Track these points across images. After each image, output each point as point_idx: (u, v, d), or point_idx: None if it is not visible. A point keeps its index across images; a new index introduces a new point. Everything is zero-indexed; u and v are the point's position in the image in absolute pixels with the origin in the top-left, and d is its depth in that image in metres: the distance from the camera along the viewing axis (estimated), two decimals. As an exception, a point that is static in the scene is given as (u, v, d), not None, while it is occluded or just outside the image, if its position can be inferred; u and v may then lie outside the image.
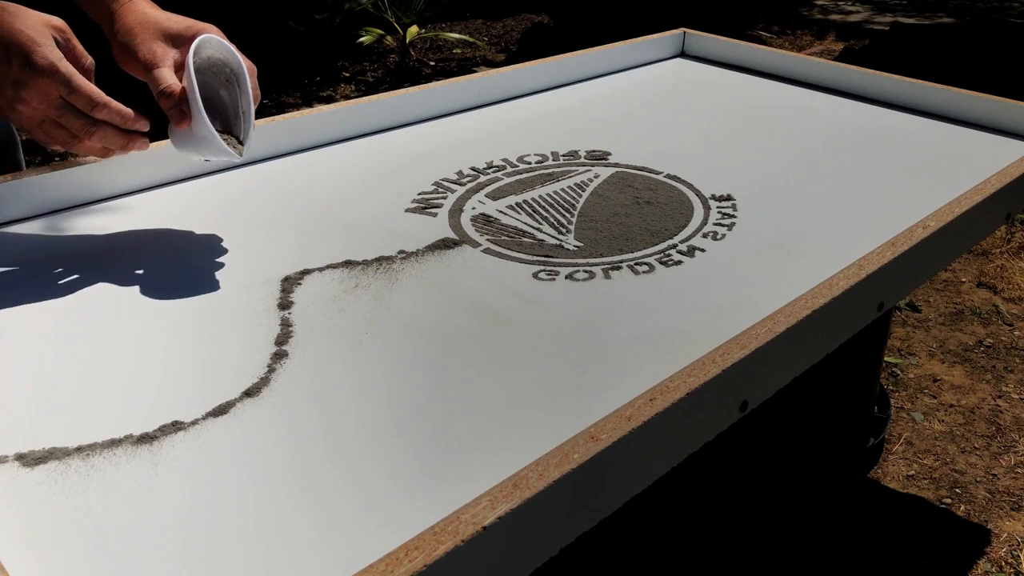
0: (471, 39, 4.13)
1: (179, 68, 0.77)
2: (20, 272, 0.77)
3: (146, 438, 0.57)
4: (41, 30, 0.70)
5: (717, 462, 0.85)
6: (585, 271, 0.79)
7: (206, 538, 0.50)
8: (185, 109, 0.74)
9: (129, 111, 0.74)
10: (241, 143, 0.80)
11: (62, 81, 0.70)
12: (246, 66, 0.78)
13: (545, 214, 0.90)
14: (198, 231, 0.84)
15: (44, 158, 2.75)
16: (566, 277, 0.78)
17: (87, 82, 0.71)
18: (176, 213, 0.88)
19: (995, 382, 1.83)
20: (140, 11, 0.78)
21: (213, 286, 0.75)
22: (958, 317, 2.05)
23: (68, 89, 0.70)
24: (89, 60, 0.75)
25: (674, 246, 0.84)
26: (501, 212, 0.90)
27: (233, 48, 0.78)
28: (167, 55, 0.77)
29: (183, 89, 0.74)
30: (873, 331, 0.99)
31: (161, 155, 0.92)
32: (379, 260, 0.80)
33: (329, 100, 3.30)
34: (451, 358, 0.66)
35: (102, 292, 0.74)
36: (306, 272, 0.77)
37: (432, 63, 3.87)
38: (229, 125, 0.81)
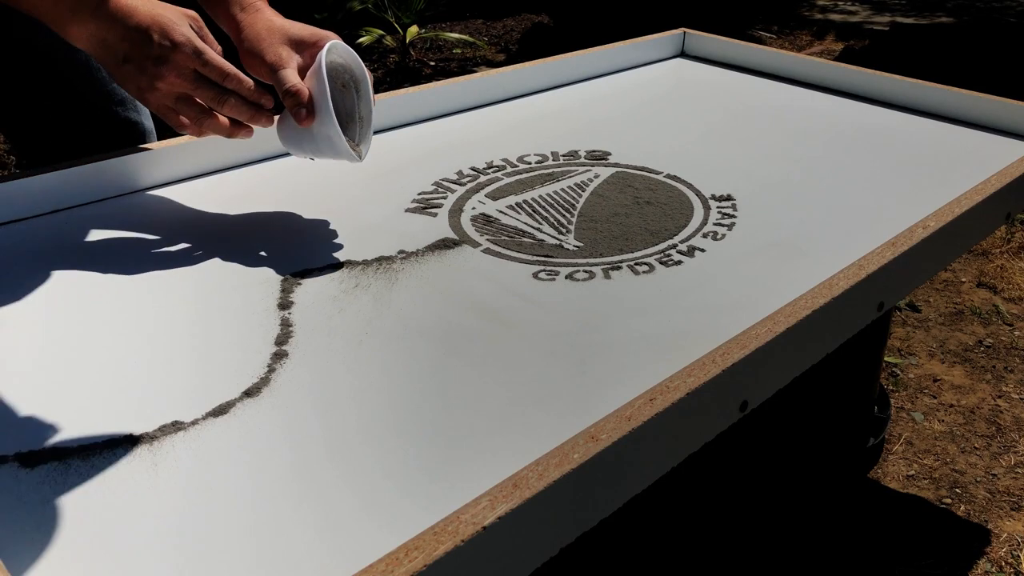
0: (471, 39, 4.13)
1: (302, 71, 0.81)
2: (20, 272, 0.77)
3: (146, 438, 0.57)
4: (179, 16, 0.76)
5: (717, 462, 0.85)
6: (585, 271, 0.79)
7: (206, 538, 0.50)
8: (309, 109, 0.78)
9: (256, 89, 0.79)
10: (358, 151, 0.83)
11: (197, 53, 0.75)
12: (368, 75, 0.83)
13: (545, 214, 0.90)
14: (198, 231, 0.84)
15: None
16: (566, 277, 0.78)
17: (218, 56, 0.77)
18: (176, 213, 0.88)
19: (995, 382, 1.83)
20: (267, 19, 0.83)
21: (213, 286, 0.75)
22: (958, 317, 2.05)
23: (202, 61, 0.75)
24: (218, 47, 0.79)
25: (674, 246, 0.84)
26: (501, 212, 0.90)
27: (356, 55, 0.82)
28: (292, 58, 0.81)
29: (307, 90, 0.79)
30: (873, 331, 0.98)
31: (160, 156, 0.92)
32: (379, 260, 0.80)
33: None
34: (451, 358, 0.66)
35: (102, 292, 0.74)
36: (306, 272, 0.77)
37: (432, 63, 3.86)
38: (342, 124, 0.82)
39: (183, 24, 0.76)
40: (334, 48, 0.81)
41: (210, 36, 0.79)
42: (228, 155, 0.96)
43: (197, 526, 0.50)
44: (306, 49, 0.82)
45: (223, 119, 0.80)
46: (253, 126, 0.82)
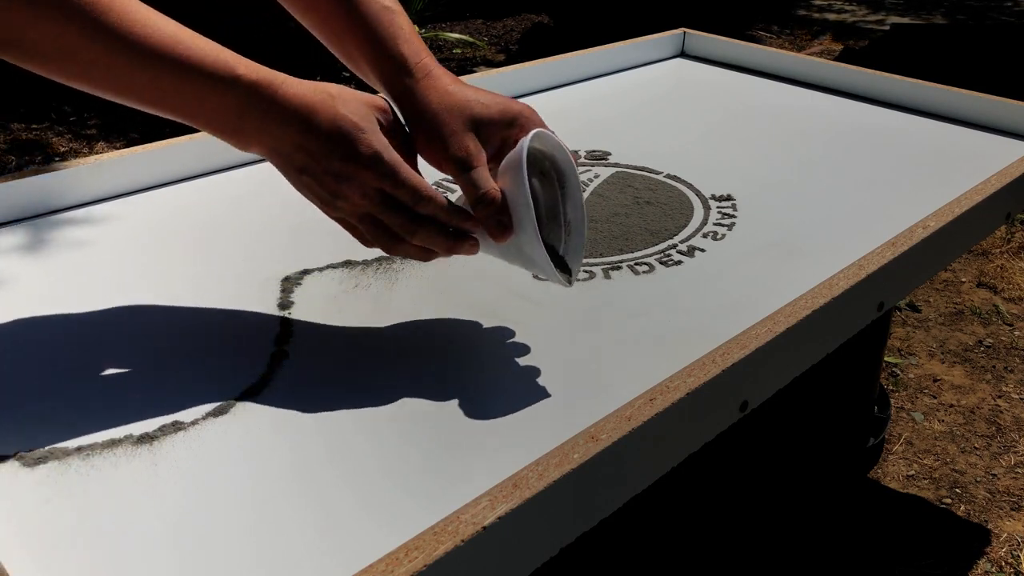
0: (471, 39, 4.13)
1: (492, 160, 0.66)
2: (20, 272, 0.77)
3: (146, 438, 0.57)
4: (365, 113, 0.61)
5: (717, 462, 0.85)
6: (585, 271, 0.79)
7: (206, 538, 0.50)
8: (505, 220, 0.63)
9: (453, 212, 0.64)
10: (565, 262, 0.66)
11: (386, 173, 0.61)
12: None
13: (545, 214, 0.90)
14: (198, 231, 0.84)
15: (44, 159, 2.75)
16: (566, 277, 0.78)
17: (412, 173, 0.62)
18: (176, 213, 0.88)
19: (995, 382, 1.83)
20: (443, 89, 0.65)
21: (213, 286, 0.75)
22: (958, 317, 2.05)
23: (393, 182, 0.61)
24: (408, 136, 0.66)
25: (674, 246, 0.84)
26: (501, 212, 0.90)
27: (561, 142, 0.65)
28: (481, 151, 0.64)
29: (502, 194, 0.63)
30: (873, 331, 0.98)
31: (161, 155, 0.92)
32: (379, 260, 0.80)
33: (329, 100, 3.29)
34: (451, 358, 0.66)
35: (102, 292, 0.74)
36: (306, 272, 0.77)
37: (432, 63, 3.86)
38: (540, 225, 0.65)
39: (371, 129, 0.61)
40: (536, 138, 0.64)
41: (403, 129, 0.65)
42: (228, 155, 0.96)
43: (197, 526, 0.50)
44: (496, 131, 0.65)
45: (415, 245, 0.65)
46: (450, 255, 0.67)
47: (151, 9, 0.58)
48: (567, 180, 0.66)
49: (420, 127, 0.65)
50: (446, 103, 0.64)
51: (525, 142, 0.62)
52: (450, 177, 0.66)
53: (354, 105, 0.61)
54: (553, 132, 0.65)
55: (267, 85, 0.59)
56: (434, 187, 0.63)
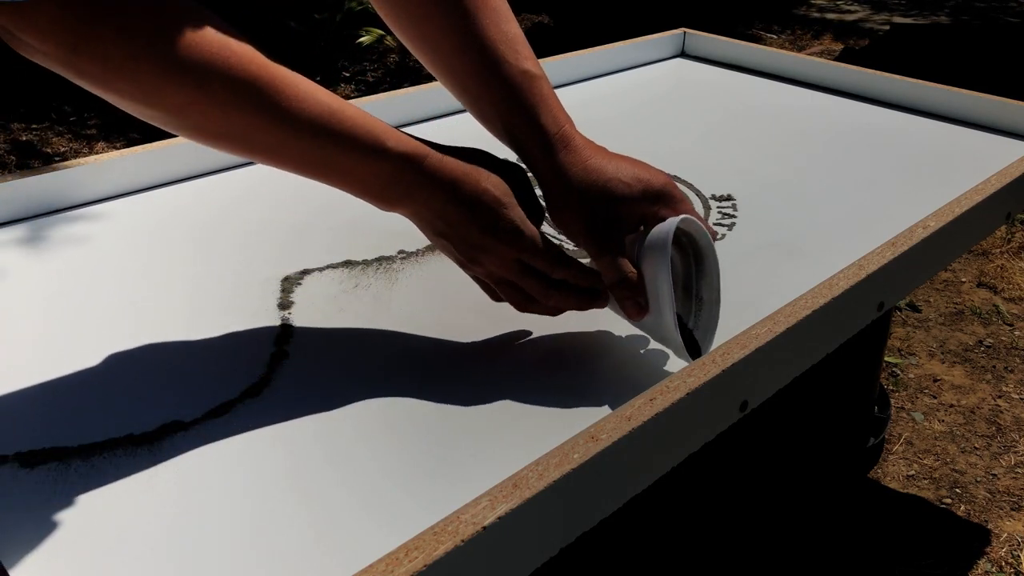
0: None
1: (628, 233, 0.65)
2: (20, 272, 0.77)
3: (146, 438, 0.57)
4: (506, 189, 0.63)
5: (717, 462, 0.85)
6: (585, 271, 0.79)
7: (205, 538, 0.50)
8: (642, 302, 0.64)
9: (587, 273, 0.65)
10: (695, 338, 0.66)
11: (525, 247, 0.62)
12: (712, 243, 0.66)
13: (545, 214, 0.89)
14: (198, 231, 0.84)
15: (44, 159, 2.75)
16: (566, 277, 0.78)
17: (550, 243, 0.64)
18: (176, 213, 0.88)
19: (995, 382, 1.83)
20: (583, 165, 0.65)
21: (213, 286, 0.75)
22: (958, 317, 2.05)
23: (531, 253, 0.63)
24: (538, 201, 0.66)
25: (674, 246, 0.84)
26: (501, 212, 0.89)
27: (700, 224, 0.64)
28: (621, 234, 0.65)
29: (639, 276, 0.63)
30: (873, 331, 0.98)
31: (160, 156, 0.92)
32: (379, 260, 0.80)
33: (329, 100, 3.29)
34: (451, 358, 0.66)
35: (102, 292, 0.74)
36: (306, 272, 0.77)
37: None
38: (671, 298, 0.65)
39: (511, 204, 0.62)
40: (682, 222, 0.63)
41: (535, 197, 0.66)
42: (228, 156, 0.96)
43: (197, 526, 0.50)
44: (636, 209, 0.64)
45: (550, 307, 0.66)
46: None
47: (308, 81, 0.58)
48: (705, 260, 0.66)
49: (558, 201, 0.65)
50: (587, 180, 0.64)
51: (671, 229, 0.61)
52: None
53: (496, 179, 0.62)
54: (695, 216, 0.65)
55: (414, 158, 0.61)
56: (567, 252, 0.65)
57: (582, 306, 0.66)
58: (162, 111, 0.55)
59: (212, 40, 0.54)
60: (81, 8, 0.50)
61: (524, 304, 0.66)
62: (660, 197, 0.65)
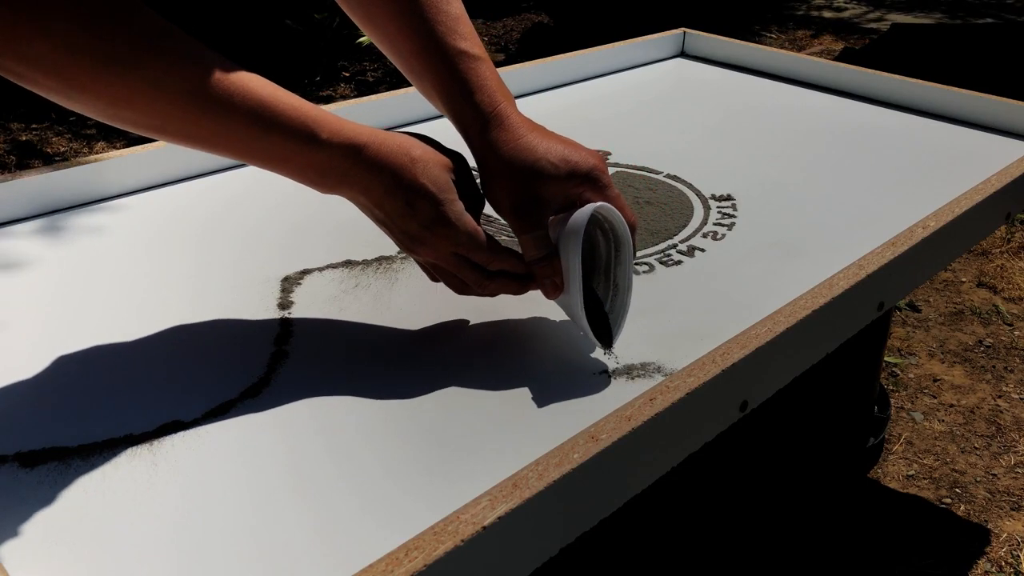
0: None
1: (554, 212, 0.66)
2: (21, 272, 0.77)
3: (146, 438, 0.57)
4: (444, 181, 0.63)
5: (717, 462, 0.85)
6: (585, 271, 0.79)
7: (206, 538, 0.50)
8: (558, 281, 0.65)
9: (523, 263, 0.66)
10: (608, 322, 0.67)
11: (461, 242, 0.63)
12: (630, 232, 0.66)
13: (545, 214, 0.89)
14: (198, 231, 0.84)
15: (44, 159, 2.75)
16: (566, 277, 0.78)
17: (484, 237, 0.64)
18: (175, 213, 0.88)
19: (995, 382, 1.83)
20: (514, 143, 0.65)
21: (213, 286, 0.75)
22: (958, 317, 2.05)
23: (467, 247, 0.64)
24: (479, 191, 0.67)
25: (674, 246, 0.84)
26: (501, 212, 0.90)
27: (618, 214, 0.65)
28: (543, 212, 0.65)
29: (558, 259, 0.65)
30: (873, 331, 0.98)
31: (159, 156, 0.92)
32: (379, 260, 0.80)
33: (329, 100, 3.30)
34: (451, 358, 0.66)
35: (102, 292, 0.74)
36: (306, 272, 0.77)
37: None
38: (591, 277, 0.69)
39: (448, 198, 0.62)
40: (598, 209, 0.64)
41: (473, 183, 0.66)
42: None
43: (197, 526, 0.50)
44: (562, 188, 0.65)
45: (486, 294, 0.68)
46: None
47: (244, 71, 0.59)
48: (622, 249, 0.66)
49: (489, 177, 0.66)
50: (517, 158, 0.65)
51: (588, 214, 0.62)
52: None
53: (434, 171, 0.62)
54: (620, 203, 0.66)
55: (351, 147, 0.61)
56: (505, 244, 0.66)
57: (519, 291, 0.68)
58: (92, 107, 0.55)
59: (141, 31, 0.54)
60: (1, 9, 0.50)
61: (462, 289, 0.67)
62: (587, 179, 0.65)
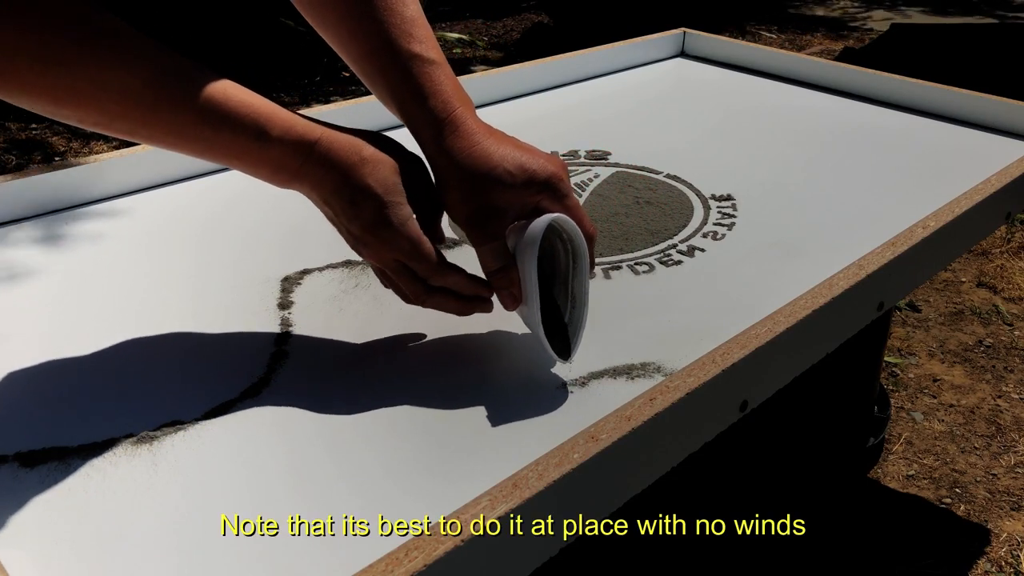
0: (471, 38, 4.13)
1: (512, 220, 0.64)
2: (20, 272, 0.77)
3: (146, 438, 0.57)
4: (392, 183, 0.61)
5: (717, 462, 0.85)
6: (585, 271, 0.79)
7: (206, 538, 0.50)
8: (516, 293, 0.64)
9: (470, 282, 0.65)
10: (567, 333, 0.66)
11: (403, 248, 0.61)
12: (587, 245, 0.64)
13: (545, 214, 0.89)
14: (198, 231, 0.84)
15: (44, 158, 2.75)
16: (566, 277, 0.78)
17: (429, 249, 0.62)
18: (175, 213, 0.88)
19: (995, 382, 1.83)
20: (469, 150, 0.63)
21: (213, 286, 0.75)
22: (958, 317, 2.05)
23: (408, 256, 0.62)
24: (436, 199, 0.65)
25: (674, 246, 0.84)
26: (501, 212, 0.90)
27: (576, 225, 0.63)
28: (501, 222, 0.63)
29: (515, 269, 0.63)
30: (873, 331, 0.98)
31: (159, 156, 0.92)
32: (379, 260, 0.79)
33: (328, 99, 3.30)
34: (451, 358, 0.66)
35: (102, 292, 0.74)
36: (306, 272, 0.77)
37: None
38: (552, 287, 0.68)
39: (395, 202, 0.61)
40: (555, 220, 0.62)
41: (424, 185, 0.64)
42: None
43: (197, 526, 0.50)
44: (519, 197, 0.63)
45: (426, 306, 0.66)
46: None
47: (195, 64, 0.58)
48: (579, 260, 0.64)
49: (444, 185, 0.64)
50: (473, 166, 0.62)
51: (544, 225, 0.61)
52: None
53: (383, 172, 0.61)
54: (579, 213, 0.64)
55: (301, 144, 0.60)
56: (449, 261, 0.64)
57: (462, 311, 0.66)
58: (37, 105, 0.55)
59: (86, 30, 0.54)
60: None
61: (406, 298, 0.66)
62: (545, 188, 0.63)
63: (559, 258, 0.66)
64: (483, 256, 0.64)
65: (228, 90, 0.59)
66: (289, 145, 0.60)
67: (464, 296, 0.65)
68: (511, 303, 0.64)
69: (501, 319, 0.71)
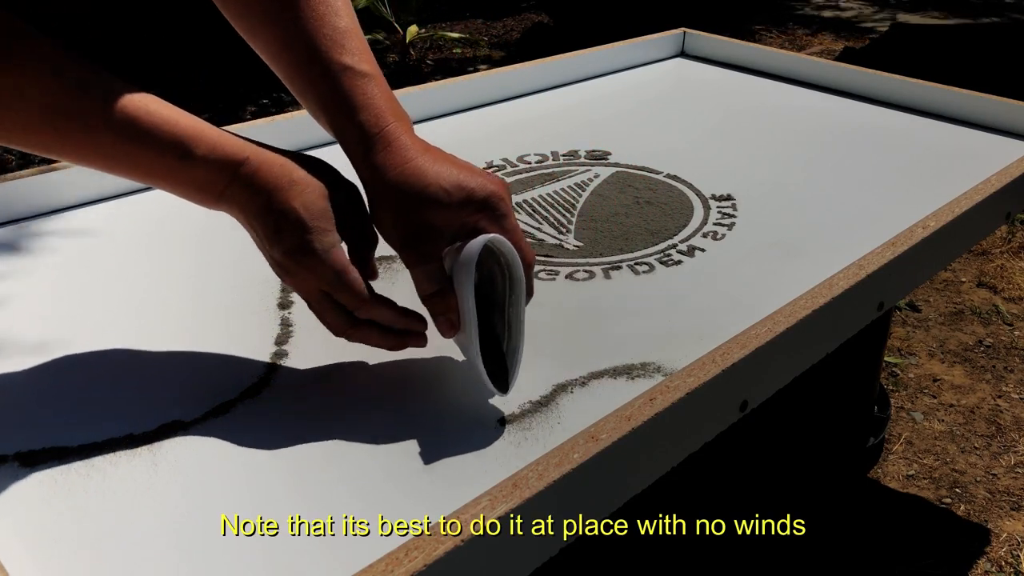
0: (471, 38, 4.13)
1: (449, 242, 0.60)
2: (19, 272, 0.77)
3: (146, 438, 0.57)
4: (320, 208, 0.58)
5: (717, 462, 0.85)
6: (585, 271, 0.79)
7: (206, 538, 0.50)
8: (454, 319, 0.60)
9: (401, 315, 0.61)
10: (506, 362, 0.61)
11: (326, 279, 0.58)
12: (523, 270, 0.60)
13: (545, 214, 0.90)
14: (197, 231, 0.84)
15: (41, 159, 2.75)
16: (566, 277, 0.78)
17: (355, 279, 0.58)
18: (176, 212, 0.88)
19: (995, 382, 1.83)
20: (401, 167, 0.59)
21: (213, 286, 0.75)
22: (958, 317, 2.05)
23: (333, 287, 0.58)
24: (371, 230, 0.62)
25: (674, 246, 0.84)
26: (501, 212, 0.90)
27: (512, 248, 0.59)
28: (436, 244, 0.60)
29: (452, 294, 0.59)
30: (873, 331, 0.98)
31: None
32: (379, 260, 0.79)
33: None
34: (451, 358, 0.66)
35: (102, 292, 0.74)
36: (306, 272, 0.77)
37: (432, 62, 3.87)
38: (492, 314, 0.63)
39: (321, 228, 0.57)
40: (490, 242, 0.59)
41: (358, 212, 0.61)
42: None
43: (197, 526, 0.50)
44: (456, 217, 0.59)
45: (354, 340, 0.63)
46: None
47: (120, 81, 0.56)
48: (516, 287, 0.60)
49: (375, 204, 0.61)
50: (405, 183, 0.59)
51: (477, 249, 0.57)
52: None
53: (310, 197, 0.58)
54: (518, 236, 0.61)
55: (227, 164, 0.58)
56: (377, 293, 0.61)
57: (392, 347, 0.63)
58: None
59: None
60: None
61: (332, 330, 0.62)
62: (484, 207, 0.60)
63: (497, 283, 0.62)
64: (417, 279, 0.60)
65: (151, 106, 0.57)
66: (214, 164, 0.58)
67: (394, 330, 0.62)
68: (448, 330, 0.60)
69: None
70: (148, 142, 0.56)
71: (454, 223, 0.59)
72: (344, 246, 0.60)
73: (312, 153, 0.63)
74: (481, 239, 0.57)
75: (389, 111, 0.62)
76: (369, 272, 0.63)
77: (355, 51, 0.62)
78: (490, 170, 0.99)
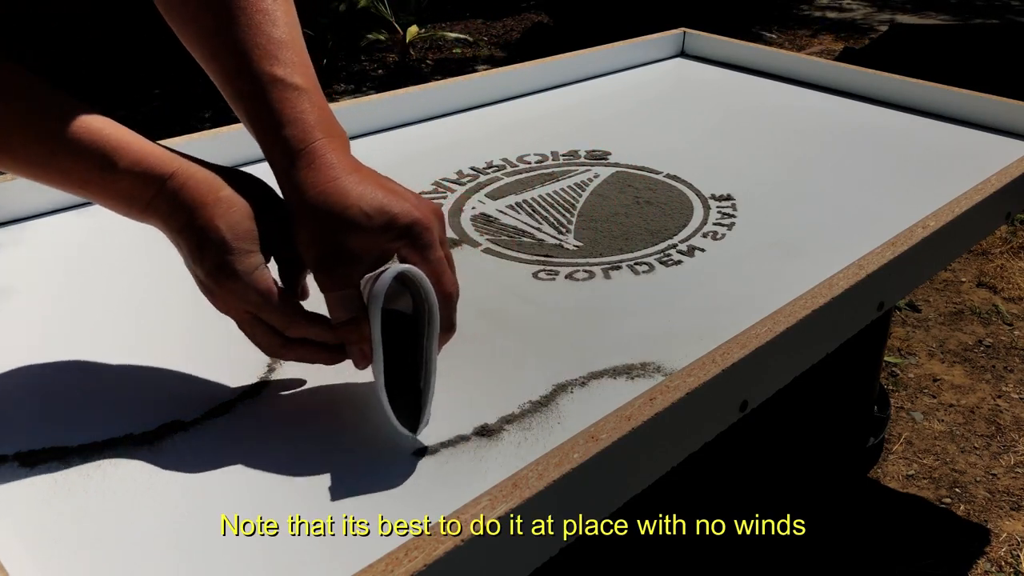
0: (471, 38, 4.13)
1: (369, 267, 0.57)
2: (19, 272, 0.77)
3: (146, 438, 0.57)
4: (244, 229, 0.56)
5: (717, 462, 0.85)
6: (585, 271, 0.79)
7: (206, 538, 0.50)
8: (367, 350, 0.57)
9: (334, 334, 0.58)
10: (420, 409, 0.57)
11: (250, 301, 0.56)
12: (439, 305, 0.57)
13: (545, 214, 0.90)
14: (198, 231, 0.84)
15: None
16: (566, 277, 0.78)
17: (280, 300, 0.57)
18: (176, 213, 0.88)
19: (995, 382, 1.83)
20: (322, 187, 0.56)
21: (213, 286, 0.75)
22: (958, 317, 2.05)
23: (258, 309, 0.56)
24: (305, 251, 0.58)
25: (674, 246, 0.84)
26: (501, 212, 0.90)
27: (430, 285, 0.56)
28: (351, 268, 0.57)
29: (367, 323, 0.56)
30: (873, 331, 0.98)
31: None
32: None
33: (328, 100, 3.29)
34: (451, 358, 0.66)
35: (102, 291, 0.74)
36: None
37: (431, 62, 3.87)
38: (407, 349, 0.59)
39: (243, 249, 0.55)
40: (403, 273, 0.56)
41: (289, 225, 0.58)
42: (228, 155, 0.96)
43: (197, 526, 0.50)
44: (375, 242, 0.56)
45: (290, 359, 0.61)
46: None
47: (47, 87, 0.56)
48: (432, 322, 0.57)
49: (295, 224, 0.58)
50: (326, 203, 0.56)
51: (387, 280, 0.54)
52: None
53: (236, 216, 0.56)
54: (442, 267, 0.58)
55: (152, 177, 0.57)
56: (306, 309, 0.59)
57: (333, 360, 0.60)
58: None
59: None
60: None
61: (264, 349, 0.60)
62: (406, 235, 0.56)
63: (418, 317, 0.59)
64: (330, 304, 0.57)
65: (80, 118, 0.56)
66: (138, 177, 0.56)
67: (330, 345, 0.59)
68: (360, 360, 0.58)
69: (501, 321, 0.71)
70: (72, 153, 0.55)
71: (373, 249, 0.56)
72: (272, 266, 0.59)
73: (251, 169, 0.62)
74: (393, 269, 0.55)
75: (319, 127, 0.59)
76: (300, 292, 0.62)
77: (288, 62, 0.59)
78: (490, 170, 0.99)
